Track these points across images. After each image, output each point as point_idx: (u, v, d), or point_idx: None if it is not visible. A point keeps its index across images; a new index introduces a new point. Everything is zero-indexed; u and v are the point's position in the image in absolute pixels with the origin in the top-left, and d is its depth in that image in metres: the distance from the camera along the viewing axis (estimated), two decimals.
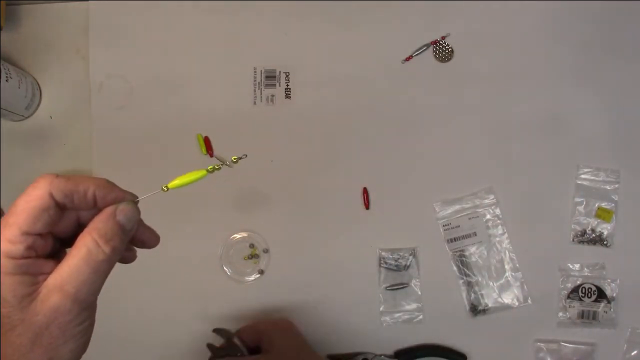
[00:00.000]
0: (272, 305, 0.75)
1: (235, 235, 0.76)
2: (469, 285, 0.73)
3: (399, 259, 0.74)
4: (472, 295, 0.73)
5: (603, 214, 0.73)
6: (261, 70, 0.77)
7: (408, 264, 0.74)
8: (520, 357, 0.73)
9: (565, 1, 0.76)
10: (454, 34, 0.76)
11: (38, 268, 0.34)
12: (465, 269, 0.74)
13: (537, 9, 0.76)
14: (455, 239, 0.74)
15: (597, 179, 0.74)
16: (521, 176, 0.75)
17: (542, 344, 0.72)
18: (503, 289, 0.73)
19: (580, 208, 0.74)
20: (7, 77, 0.70)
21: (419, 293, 0.74)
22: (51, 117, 0.78)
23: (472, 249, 0.74)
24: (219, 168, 0.41)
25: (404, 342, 0.74)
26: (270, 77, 0.77)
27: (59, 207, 0.35)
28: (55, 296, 0.33)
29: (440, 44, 0.76)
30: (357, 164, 0.76)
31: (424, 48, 0.76)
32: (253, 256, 0.75)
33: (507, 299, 0.73)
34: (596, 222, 0.73)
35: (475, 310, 0.73)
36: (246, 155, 0.43)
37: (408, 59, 0.77)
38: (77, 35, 0.79)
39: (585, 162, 0.74)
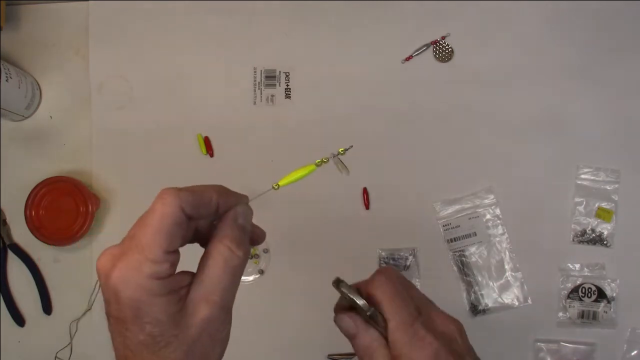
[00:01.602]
0: (272, 305, 0.75)
1: None
2: (469, 285, 0.73)
3: (399, 259, 0.74)
4: (472, 295, 0.73)
5: (603, 214, 0.73)
6: (261, 70, 0.77)
7: (408, 264, 0.74)
8: (520, 357, 0.73)
9: (566, 1, 0.76)
10: (454, 34, 0.76)
11: (179, 283, 0.34)
12: (465, 269, 0.74)
13: (537, 8, 0.76)
14: (455, 239, 0.74)
15: (597, 179, 0.74)
16: (521, 176, 0.75)
17: (542, 344, 0.72)
18: (503, 289, 0.73)
19: (580, 208, 0.74)
20: (7, 77, 0.70)
21: None
22: (51, 117, 0.78)
23: (472, 249, 0.74)
24: (327, 160, 0.41)
25: None
26: (270, 77, 0.77)
27: (188, 219, 0.35)
28: (204, 307, 0.34)
29: (440, 44, 0.76)
30: (357, 164, 0.76)
31: (424, 48, 0.76)
32: (253, 256, 0.75)
33: (507, 299, 0.73)
34: (596, 222, 0.73)
35: (475, 310, 0.73)
36: (352, 146, 0.42)
37: (408, 59, 0.77)
38: (77, 35, 0.79)
39: (585, 162, 0.74)
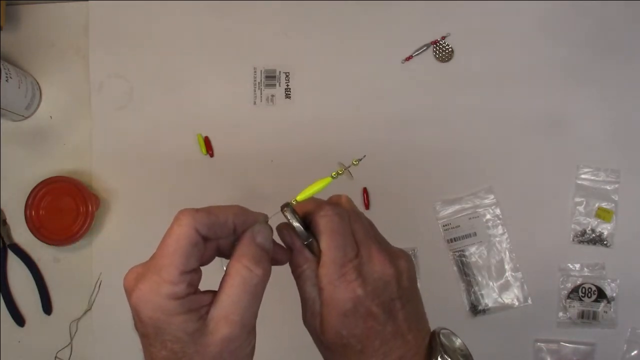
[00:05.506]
0: (273, 304, 0.75)
1: None
2: (469, 285, 0.73)
3: None
4: (472, 295, 0.73)
5: (603, 214, 0.73)
6: (261, 70, 0.77)
7: None
8: (520, 357, 0.73)
9: (565, 1, 0.76)
10: (454, 34, 0.76)
11: (199, 302, 0.35)
12: (465, 269, 0.74)
13: (537, 8, 0.76)
14: (455, 239, 0.74)
15: (597, 179, 0.74)
16: (521, 176, 0.75)
17: (542, 344, 0.72)
18: (503, 289, 0.73)
19: (580, 208, 0.74)
20: (7, 77, 0.70)
21: None
22: (51, 117, 0.78)
23: (472, 249, 0.74)
24: (342, 172, 0.41)
25: None
26: (270, 77, 0.77)
27: (204, 240, 0.36)
28: (223, 327, 0.35)
29: (440, 44, 0.76)
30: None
31: (424, 48, 0.76)
32: None
33: (507, 299, 0.73)
34: (596, 222, 0.73)
35: (475, 310, 0.73)
36: (365, 156, 0.42)
37: (408, 59, 0.77)
38: (77, 35, 0.79)
39: (585, 162, 0.74)
